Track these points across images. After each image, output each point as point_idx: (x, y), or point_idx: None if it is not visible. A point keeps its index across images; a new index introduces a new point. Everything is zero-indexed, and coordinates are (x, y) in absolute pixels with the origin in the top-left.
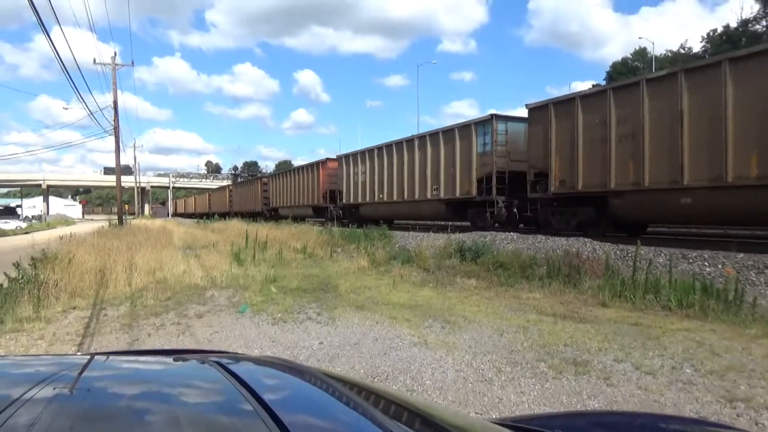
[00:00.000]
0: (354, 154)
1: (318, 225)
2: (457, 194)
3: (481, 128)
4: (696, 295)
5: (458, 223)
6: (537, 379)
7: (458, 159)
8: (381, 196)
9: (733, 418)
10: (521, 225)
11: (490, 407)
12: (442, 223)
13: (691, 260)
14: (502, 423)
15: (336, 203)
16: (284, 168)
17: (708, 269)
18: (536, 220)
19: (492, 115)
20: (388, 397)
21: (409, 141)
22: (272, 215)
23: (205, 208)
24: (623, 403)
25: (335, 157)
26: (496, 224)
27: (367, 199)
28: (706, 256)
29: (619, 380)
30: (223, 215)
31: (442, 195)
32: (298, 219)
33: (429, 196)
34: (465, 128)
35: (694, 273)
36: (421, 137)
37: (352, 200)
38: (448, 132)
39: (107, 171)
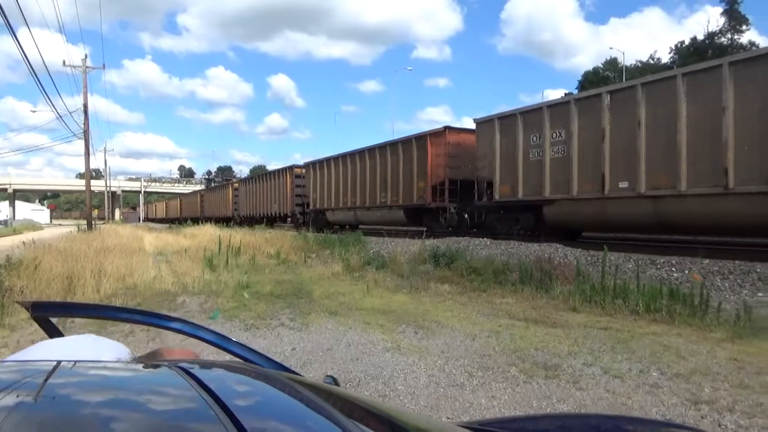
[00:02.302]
0: (526, 113)
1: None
2: None
3: None
4: (663, 300)
5: None
6: (508, 383)
7: None
8: (626, 183)
9: (697, 420)
10: None
11: (461, 412)
12: None
13: (659, 266)
14: (470, 426)
15: (474, 200)
16: (259, 171)
17: (675, 275)
18: None
19: None
20: (358, 403)
21: (708, 70)
22: (313, 221)
23: (195, 211)
24: (592, 406)
25: (473, 122)
26: None
27: (573, 191)
28: (674, 261)
29: (588, 384)
30: (223, 221)
31: None
32: (367, 229)
33: None
34: None
35: (661, 278)
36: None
37: (521, 194)
38: None
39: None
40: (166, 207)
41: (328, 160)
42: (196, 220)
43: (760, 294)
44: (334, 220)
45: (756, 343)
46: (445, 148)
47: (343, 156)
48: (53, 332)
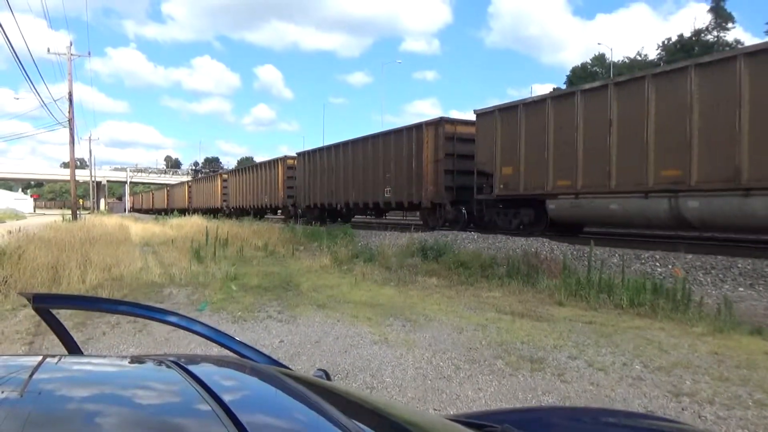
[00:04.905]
0: None
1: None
2: None
3: None
4: (647, 294)
5: None
6: (494, 376)
7: None
8: None
9: (678, 411)
10: None
11: (448, 404)
12: None
13: (643, 261)
14: (456, 419)
15: None
16: (246, 162)
17: (659, 269)
18: None
19: None
20: (348, 396)
21: None
22: (493, 216)
23: (215, 200)
24: (576, 398)
25: None
26: None
27: None
28: (658, 256)
29: (573, 377)
30: (257, 212)
31: None
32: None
33: None
34: None
35: (645, 273)
36: None
37: None
38: None
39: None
40: (167, 196)
41: (558, 97)
42: (215, 212)
43: (741, 289)
44: (570, 216)
45: (736, 337)
46: None
47: (621, 83)
48: (54, 324)
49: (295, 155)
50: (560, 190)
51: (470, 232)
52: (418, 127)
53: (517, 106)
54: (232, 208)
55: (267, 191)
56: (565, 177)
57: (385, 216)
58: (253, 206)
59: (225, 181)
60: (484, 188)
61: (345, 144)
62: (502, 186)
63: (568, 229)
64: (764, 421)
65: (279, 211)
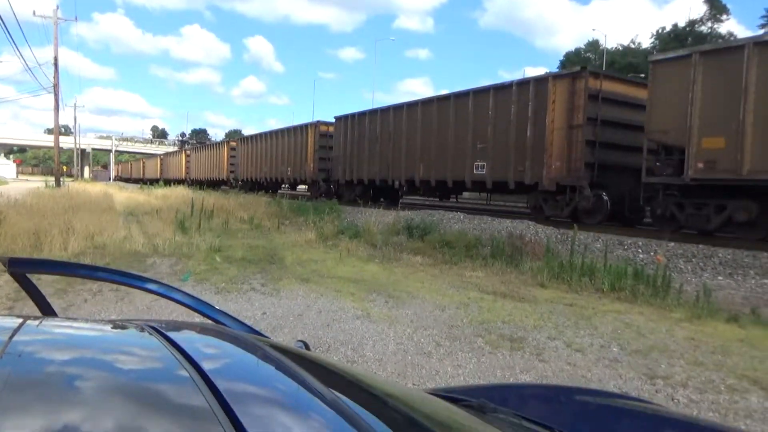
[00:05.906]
0: None
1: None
2: None
3: None
4: (628, 279)
5: None
6: (474, 353)
7: None
8: None
9: (652, 393)
10: None
11: (427, 379)
12: None
13: (626, 246)
14: (435, 393)
15: None
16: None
17: (641, 256)
18: None
19: None
20: (328, 367)
21: None
22: None
23: (219, 171)
24: (553, 377)
25: None
26: None
27: None
28: (640, 243)
29: (551, 356)
30: (271, 187)
31: None
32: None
33: None
34: None
35: (627, 259)
36: None
37: None
38: None
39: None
40: (160, 163)
41: None
42: (269, 185)
43: (720, 278)
44: None
45: (713, 324)
46: None
47: None
48: (30, 288)
49: (333, 120)
50: None
51: (455, 212)
52: (541, 80)
53: (741, 47)
54: (242, 180)
55: (290, 162)
56: None
57: (455, 198)
58: (270, 179)
59: (233, 149)
60: (658, 168)
61: (411, 105)
62: (701, 165)
63: None
64: (735, 406)
65: (304, 186)
